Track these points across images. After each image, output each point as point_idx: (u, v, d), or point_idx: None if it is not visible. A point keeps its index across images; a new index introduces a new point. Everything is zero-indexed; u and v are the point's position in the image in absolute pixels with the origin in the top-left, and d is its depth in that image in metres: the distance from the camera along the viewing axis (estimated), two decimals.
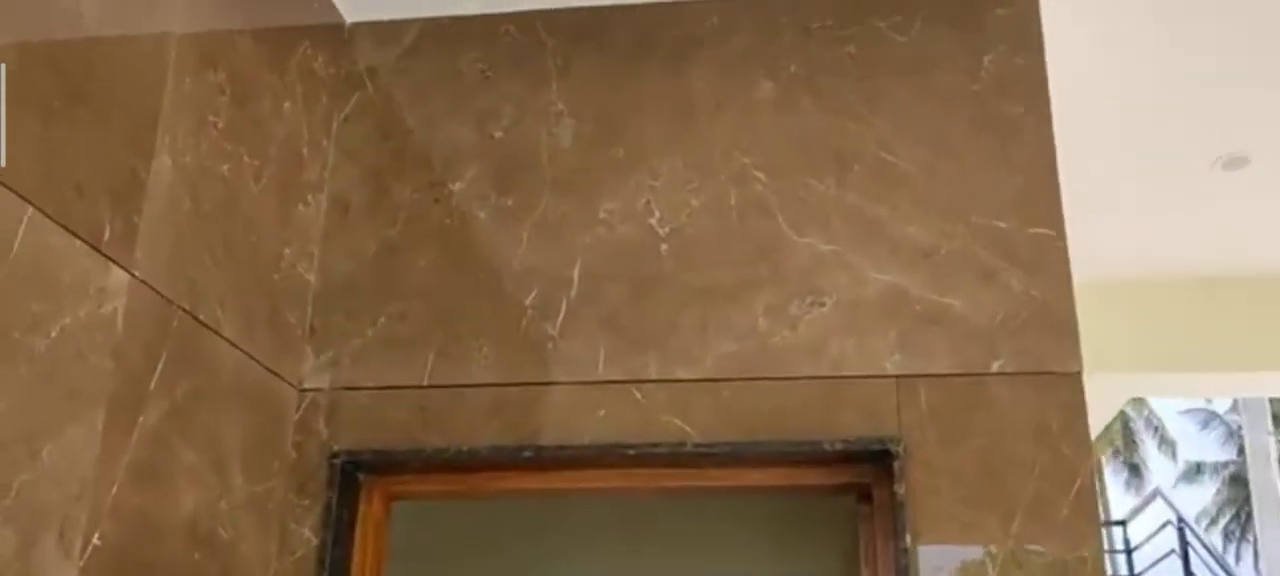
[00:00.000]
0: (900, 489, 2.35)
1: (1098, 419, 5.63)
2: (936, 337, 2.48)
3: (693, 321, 2.56)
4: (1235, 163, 3.71)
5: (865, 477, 2.48)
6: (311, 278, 2.65)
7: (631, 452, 2.48)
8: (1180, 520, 7.01)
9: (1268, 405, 12.00)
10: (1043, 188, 2.58)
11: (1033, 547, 2.27)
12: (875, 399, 2.46)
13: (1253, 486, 11.61)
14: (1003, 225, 2.55)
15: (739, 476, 2.52)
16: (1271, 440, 11.56)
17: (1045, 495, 2.32)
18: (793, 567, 4.33)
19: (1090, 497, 2.32)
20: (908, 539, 2.32)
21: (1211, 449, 24.99)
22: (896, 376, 2.47)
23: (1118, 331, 4.36)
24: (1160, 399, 24.13)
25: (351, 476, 2.52)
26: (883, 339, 2.50)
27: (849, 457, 2.47)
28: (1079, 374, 2.41)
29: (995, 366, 2.44)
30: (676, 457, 2.48)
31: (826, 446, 2.44)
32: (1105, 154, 3.63)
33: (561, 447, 2.50)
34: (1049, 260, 2.52)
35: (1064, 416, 2.38)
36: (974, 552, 2.29)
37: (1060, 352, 2.43)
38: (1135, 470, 25.03)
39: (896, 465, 2.37)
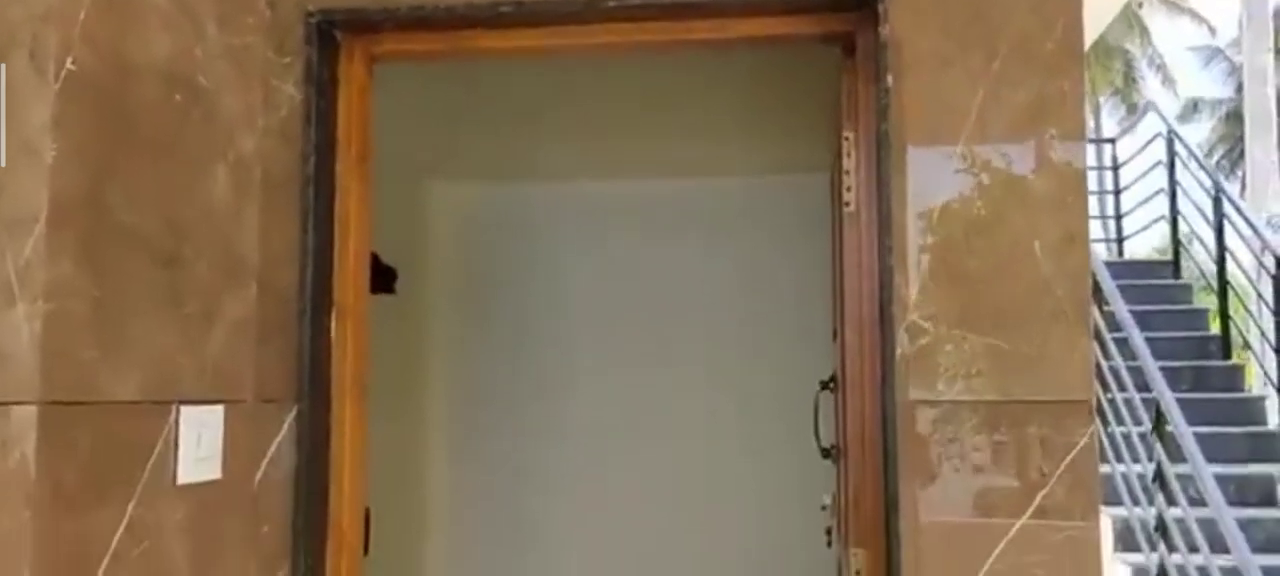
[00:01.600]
0: (884, 31, 2.32)
1: (1097, 21, 5.53)
2: None
3: None
4: None
5: (849, 26, 2.45)
6: None
7: (612, 5, 2.43)
8: (1170, 131, 7.04)
9: (1271, 25, 11.82)
10: None
11: (1013, 85, 2.28)
12: None
13: (1246, 108, 11.65)
14: None
15: (722, 28, 2.48)
16: (1270, 58, 11.46)
17: (1031, 32, 2.29)
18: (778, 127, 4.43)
19: (1075, 34, 2.30)
20: (889, 79, 2.31)
21: (1213, 86, 24.94)
22: None
23: None
24: (1164, 36, 23.77)
25: (329, 35, 2.48)
26: None
27: (835, 5, 2.43)
28: None
29: None
30: (660, 9, 2.45)
31: None
32: None
33: (540, 2, 2.46)
34: None
35: None
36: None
37: None
38: (1134, 109, 25.06)
39: (881, 8, 2.33)
